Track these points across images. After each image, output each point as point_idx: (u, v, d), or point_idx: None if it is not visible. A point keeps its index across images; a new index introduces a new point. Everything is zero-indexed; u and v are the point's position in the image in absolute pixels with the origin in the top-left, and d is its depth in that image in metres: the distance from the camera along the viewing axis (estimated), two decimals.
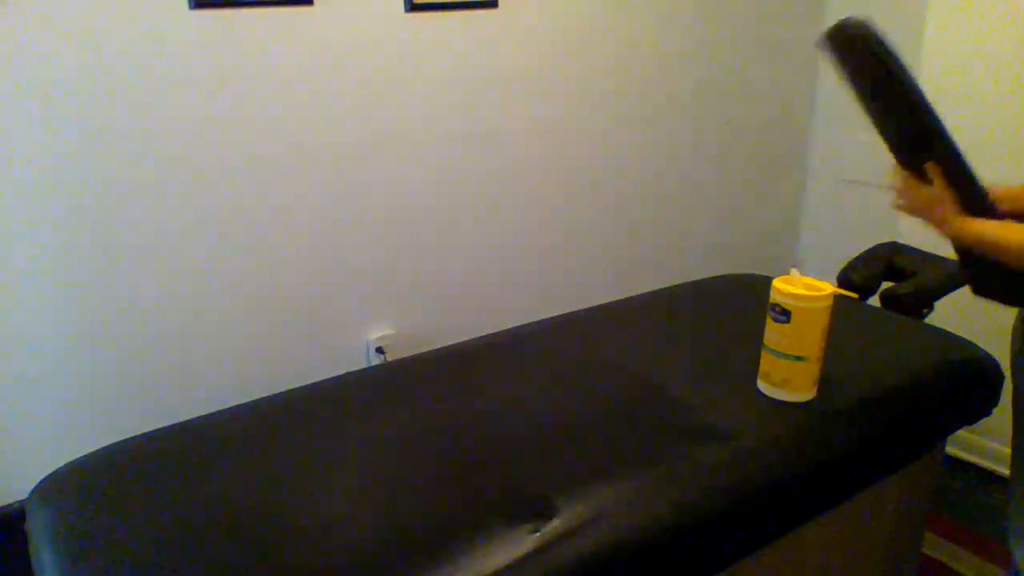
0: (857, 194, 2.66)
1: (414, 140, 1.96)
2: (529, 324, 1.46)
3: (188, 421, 1.16)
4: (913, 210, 1.18)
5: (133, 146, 1.61)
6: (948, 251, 1.65)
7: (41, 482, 1.05)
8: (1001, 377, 1.32)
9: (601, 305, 1.54)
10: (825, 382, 1.15)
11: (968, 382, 1.30)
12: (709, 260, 2.64)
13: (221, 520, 0.94)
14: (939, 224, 1.14)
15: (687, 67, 2.39)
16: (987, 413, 1.33)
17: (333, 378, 1.28)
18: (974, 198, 1.11)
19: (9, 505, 1.62)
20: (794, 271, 1.12)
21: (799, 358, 1.11)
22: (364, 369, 1.34)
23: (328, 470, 1.03)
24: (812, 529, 1.13)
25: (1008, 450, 1.41)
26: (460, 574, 0.83)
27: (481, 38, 1.98)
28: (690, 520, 0.96)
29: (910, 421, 1.21)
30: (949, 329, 1.39)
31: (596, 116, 2.26)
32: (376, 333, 2.04)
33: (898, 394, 1.21)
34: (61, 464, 1.08)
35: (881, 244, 1.71)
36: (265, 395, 1.23)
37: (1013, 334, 1.28)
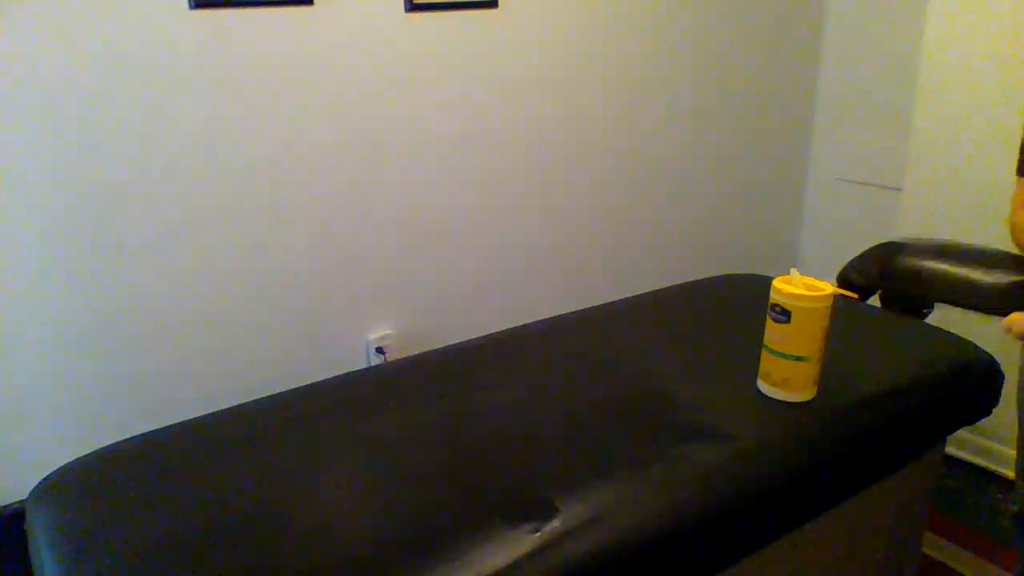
0: (857, 194, 2.67)
1: (414, 140, 1.96)
2: (529, 324, 1.46)
3: (188, 421, 1.16)
4: None
5: (133, 146, 1.61)
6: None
7: (41, 482, 1.05)
8: (1001, 377, 1.32)
9: (601, 305, 1.54)
10: (825, 382, 1.15)
11: (968, 382, 1.30)
12: (709, 260, 2.64)
13: (221, 520, 0.94)
14: None
15: (687, 66, 2.39)
16: (987, 413, 1.33)
17: (333, 378, 1.28)
18: None
19: (9, 505, 1.62)
20: (794, 271, 1.12)
21: (799, 358, 1.11)
22: (364, 369, 1.34)
23: (328, 470, 1.03)
24: (812, 529, 1.13)
25: (1007, 449, 1.42)
26: (460, 574, 0.83)
27: (481, 38, 1.98)
28: (690, 520, 0.96)
29: (910, 421, 1.21)
30: (949, 329, 1.39)
31: (596, 116, 2.26)
32: (376, 333, 2.04)
33: (898, 394, 1.21)
34: (61, 464, 1.08)
35: (881, 244, 1.71)
36: (265, 395, 1.23)
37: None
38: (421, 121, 1.96)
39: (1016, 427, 1.43)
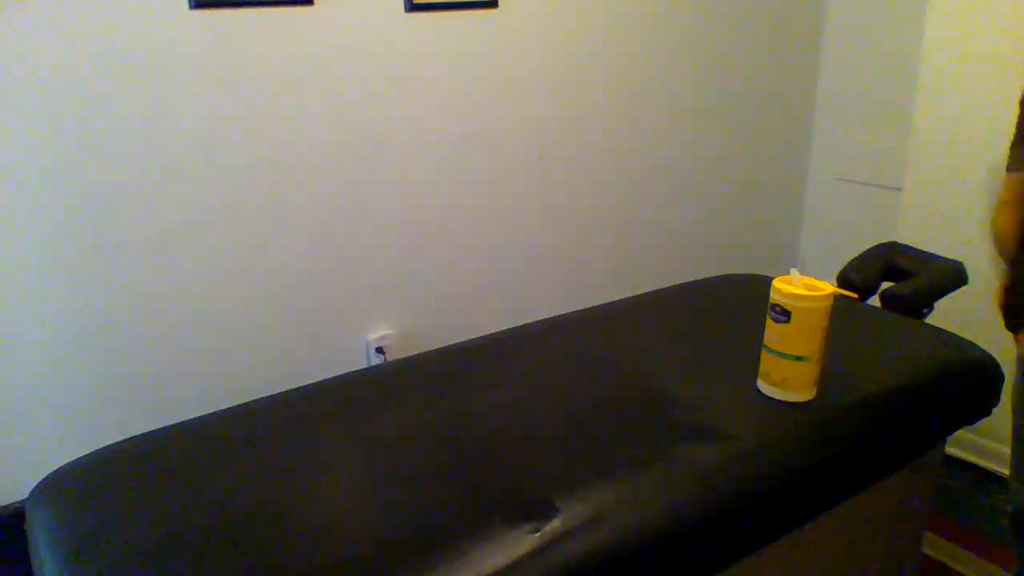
0: (857, 194, 2.67)
1: (414, 140, 1.96)
2: (529, 324, 1.46)
3: (188, 421, 1.16)
4: None
5: (133, 146, 1.61)
6: (948, 251, 1.66)
7: (41, 482, 1.05)
8: (1001, 377, 1.32)
9: (601, 305, 1.54)
10: (825, 382, 1.15)
11: (968, 382, 1.30)
12: (709, 260, 2.64)
13: (220, 520, 0.94)
14: None
15: (687, 66, 2.39)
16: (987, 413, 1.33)
17: (333, 378, 1.28)
18: None
19: (9, 505, 1.62)
20: (794, 271, 1.12)
21: (799, 358, 1.11)
22: (364, 369, 1.34)
23: (328, 470, 1.03)
24: (812, 529, 1.13)
25: (1007, 449, 1.42)
26: (460, 574, 0.83)
27: (481, 38, 1.98)
28: (690, 520, 0.96)
29: (910, 421, 1.21)
30: (949, 329, 1.39)
31: (596, 116, 2.26)
32: (376, 333, 2.04)
33: (898, 394, 1.21)
34: (61, 464, 1.08)
35: (881, 244, 1.71)
36: (265, 395, 1.23)
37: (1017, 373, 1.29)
38: (421, 121, 1.96)
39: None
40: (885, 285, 1.59)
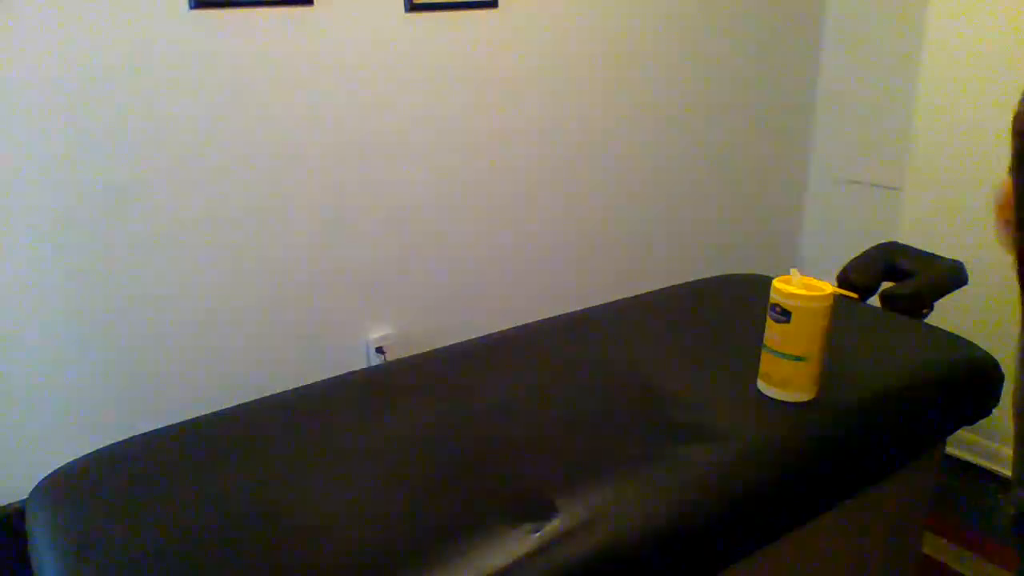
0: (857, 194, 2.67)
1: (414, 140, 1.96)
2: (529, 324, 1.46)
3: (188, 421, 1.16)
4: None
5: (132, 146, 1.61)
6: (948, 251, 1.66)
7: (41, 482, 1.05)
8: (1001, 377, 1.32)
9: (601, 305, 1.54)
10: (825, 382, 1.15)
11: (968, 382, 1.30)
12: (709, 260, 2.64)
13: (221, 520, 0.94)
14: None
15: (687, 66, 2.39)
16: (987, 413, 1.33)
17: (333, 378, 1.28)
18: None
19: (9, 505, 1.62)
20: (794, 271, 1.12)
21: (799, 358, 1.11)
22: (364, 369, 1.34)
23: (328, 470, 1.03)
24: (812, 529, 1.13)
25: (1007, 449, 1.42)
26: (460, 574, 0.83)
27: (481, 38, 1.98)
28: (690, 520, 0.96)
29: (910, 421, 1.21)
30: (949, 329, 1.39)
31: (596, 116, 2.26)
32: (376, 333, 2.04)
33: (898, 394, 1.21)
34: (61, 464, 1.08)
35: (881, 244, 1.71)
36: (265, 395, 1.23)
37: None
38: (421, 121, 1.96)
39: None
40: (885, 285, 1.59)
